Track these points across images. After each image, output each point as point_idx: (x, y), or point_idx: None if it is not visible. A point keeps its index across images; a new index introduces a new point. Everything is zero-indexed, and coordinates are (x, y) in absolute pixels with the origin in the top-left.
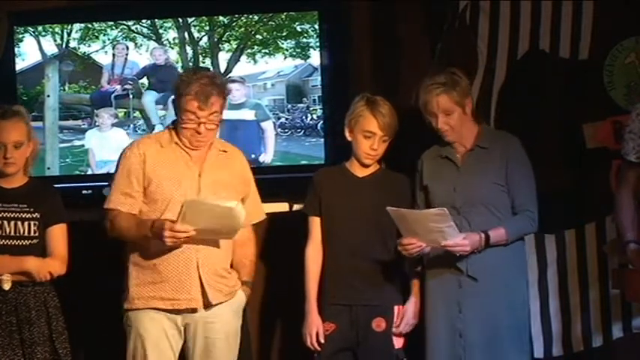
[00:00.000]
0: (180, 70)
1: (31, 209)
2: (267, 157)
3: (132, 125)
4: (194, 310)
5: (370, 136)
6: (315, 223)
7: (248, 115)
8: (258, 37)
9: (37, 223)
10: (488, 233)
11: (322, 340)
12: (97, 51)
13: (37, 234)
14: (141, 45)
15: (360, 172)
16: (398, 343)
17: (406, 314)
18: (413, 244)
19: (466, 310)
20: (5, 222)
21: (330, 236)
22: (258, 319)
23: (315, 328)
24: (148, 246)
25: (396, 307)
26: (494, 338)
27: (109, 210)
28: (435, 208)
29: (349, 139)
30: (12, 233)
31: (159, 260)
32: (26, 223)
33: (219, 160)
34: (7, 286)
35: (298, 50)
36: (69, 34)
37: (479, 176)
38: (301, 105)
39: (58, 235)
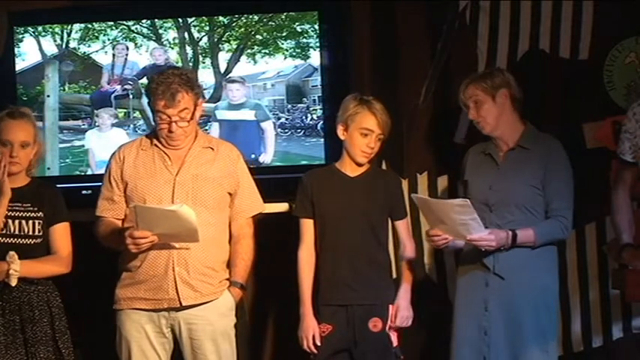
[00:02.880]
0: None
1: (35, 208)
2: (267, 157)
3: (132, 125)
4: (175, 310)
5: (368, 133)
6: (308, 226)
7: (248, 115)
8: (258, 37)
9: (40, 222)
10: (515, 232)
11: (318, 343)
12: (97, 51)
13: (41, 233)
14: (141, 45)
15: (352, 172)
16: (394, 340)
17: (400, 308)
18: (439, 236)
19: (492, 308)
20: (10, 220)
21: (323, 237)
22: (257, 320)
23: (312, 330)
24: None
25: (390, 307)
26: (518, 338)
27: (97, 218)
28: (458, 199)
29: (342, 138)
30: (16, 232)
31: (138, 262)
32: (30, 222)
33: (202, 156)
34: (13, 282)
35: (298, 50)
36: (69, 34)
37: (516, 176)
38: (301, 105)
39: (61, 233)
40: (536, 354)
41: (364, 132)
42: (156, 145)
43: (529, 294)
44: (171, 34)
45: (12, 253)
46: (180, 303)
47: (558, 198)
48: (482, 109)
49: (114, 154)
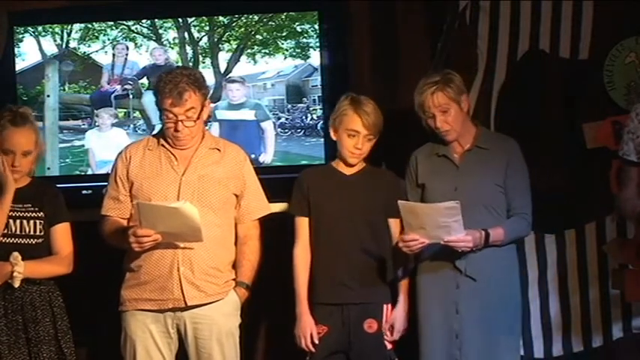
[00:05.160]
0: None
1: (36, 209)
2: (267, 157)
3: (132, 125)
4: (181, 310)
5: (354, 134)
6: (303, 224)
7: (248, 115)
8: (258, 37)
9: (42, 222)
10: (488, 231)
11: (316, 341)
12: (97, 51)
13: (42, 233)
14: (141, 45)
15: (348, 171)
16: (388, 344)
17: (396, 321)
18: (416, 241)
19: (463, 310)
20: (11, 220)
21: (319, 236)
22: (251, 319)
23: (309, 329)
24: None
25: (384, 306)
26: (490, 339)
27: (102, 217)
28: (447, 202)
29: (334, 138)
30: (18, 232)
31: (142, 262)
32: (32, 222)
33: (209, 157)
34: (17, 283)
35: (298, 50)
36: (69, 34)
37: (480, 177)
38: (301, 105)
39: (62, 234)
40: (506, 355)
41: (350, 133)
42: (163, 145)
43: (499, 295)
44: (171, 34)
45: (16, 254)
46: (186, 303)
47: (520, 196)
48: (450, 117)
49: (120, 153)
